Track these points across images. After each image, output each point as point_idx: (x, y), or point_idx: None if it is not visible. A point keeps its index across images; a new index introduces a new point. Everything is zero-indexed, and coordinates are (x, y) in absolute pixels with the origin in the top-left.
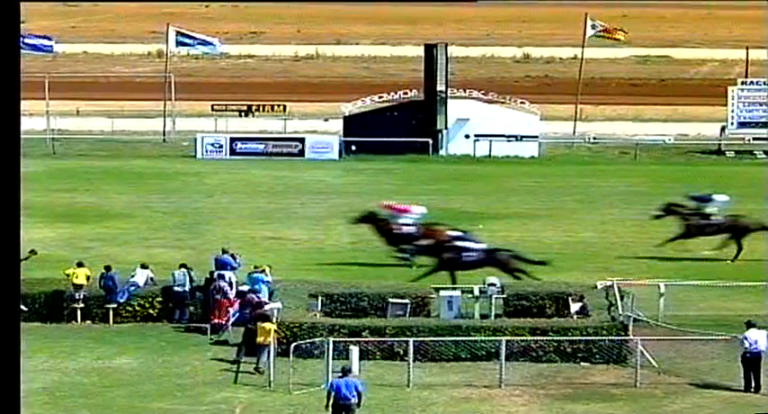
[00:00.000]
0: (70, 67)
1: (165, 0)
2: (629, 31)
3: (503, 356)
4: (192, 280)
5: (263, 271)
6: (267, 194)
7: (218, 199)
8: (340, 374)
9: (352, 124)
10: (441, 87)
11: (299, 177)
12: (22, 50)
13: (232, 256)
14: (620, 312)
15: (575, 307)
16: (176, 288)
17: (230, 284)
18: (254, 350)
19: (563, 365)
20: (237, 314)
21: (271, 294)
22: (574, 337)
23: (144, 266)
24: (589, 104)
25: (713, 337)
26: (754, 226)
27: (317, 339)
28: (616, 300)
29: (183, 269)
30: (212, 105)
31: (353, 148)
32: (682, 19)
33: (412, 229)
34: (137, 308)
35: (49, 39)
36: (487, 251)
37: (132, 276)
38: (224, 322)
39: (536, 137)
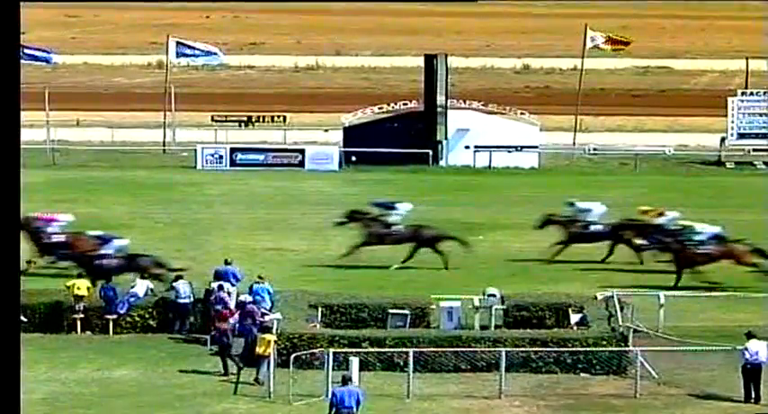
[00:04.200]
0: (70, 77)
1: (165, 1)
2: (630, 43)
3: (503, 367)
4: (191, 293)
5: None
6: (267, 205)
7: (219, 210)
8: (340, 384)
9: (352, 135)
10: (441, 98)
11: (299, 188)
12: (21, 61)
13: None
14: (620, 323)
15: (574, 318)
16: (181, 300)
17: (230, 295)
18: (253, 361)
19: (563, 376)
20: (237, 325)
21: (271, 305)
22: (574, 348)
23: (144, 277)
24: (589, 115)
25: (713, 348)
26: (436, 236)
27: (316, 350)
28: (616, 310)
29: (181, 280)
30: (212, 116)
31: (353, 158)
32: (682, 30)
33: (60, 238)
34: (137, 319)
35: (49, 52)
36: (128, 257)
37: (132, 287)
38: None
39: (536, 147)
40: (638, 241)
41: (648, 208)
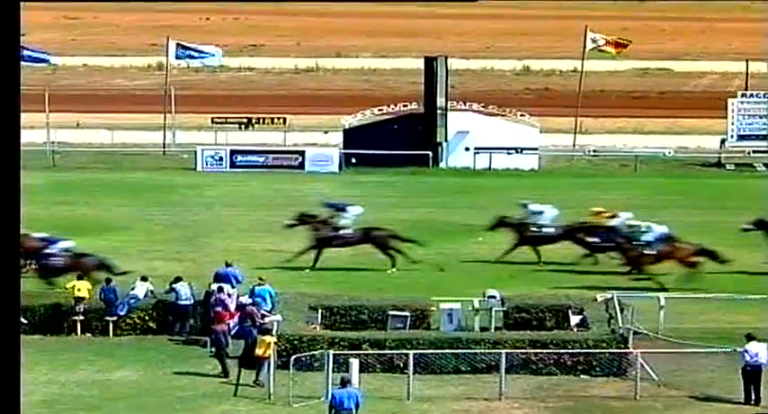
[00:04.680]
0: (70, 79)
1: (165, 1)
2: (628, 45)
3: (503, 369)
4: (192, 295)
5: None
6: (267, 207)
7: (218, 211)
8: (339, 386)
9: (352, 137)
10: (441, 100)
11: (299, 190)
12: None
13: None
14: (620, 325)
15: (575, 320)
16: (181, 302)
17: (230, 297)
18: (253, 363)
19: (563, 378)
20: (237, 327)
21: (272, 307)
22: (574, 350)
23: (144, 279)
24: (589, 117)
25: (713, 350)
26: (387, 237)
27: (317, 352)
28: (616, 312)
29: (180, 282)
30: (212, 118)
31: (353, 160)
32: (681, 32)
33: None
34: (137, 321)
35: (48, 54)
36: (73, 257)
37: (132, 289)
38: None
39: (536, 149)
40: (590, 239)
41: (601, 209)
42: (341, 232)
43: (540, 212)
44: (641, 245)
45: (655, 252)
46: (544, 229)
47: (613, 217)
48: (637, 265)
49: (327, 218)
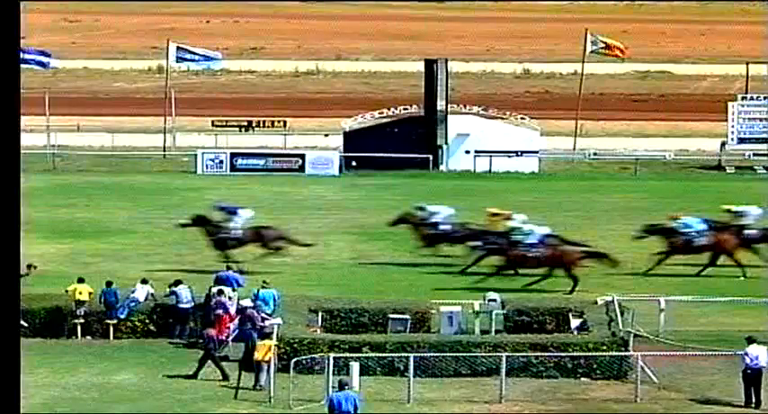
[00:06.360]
0: (71, 82)
1: (165, 0)
2: (628, 47)
3: (503, 372)
4: (192, 298)
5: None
6: (267, 210)
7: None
8: (337, 389)
9: (353, 140)
10: (441, 103)
11: (300, 193)
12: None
13: (240, 272)
14: (621, 328)
15: (575, 322)
16: (182, 305)
17: (230, 300)
18: (253, 366)
19: (563, 381)
20: (237, 330)
21: (273, 310)
22: (574, 353)
23: (144, 282)
24: (589, 120)
25: (714, 353)
26: (276, 236)
27: (317, 355)
28: (616, 315)
29: (181, 285)
30: (213, 121)
31: (354, 163)
32: (682, 34)
33: None
34: (137, 324)
35: (48, 54)
36: None
37: (133, 292)
38: (224, 337)
39: (536, 152)
40: (471, 243)
41: (498, 210)
42: (232, 234)
43: (437, 212)
44: (525, 247)
45: (539, 254)
46: (440, 227)
47: (508, 219)
48: (518, 266)
49: (219, 221)
